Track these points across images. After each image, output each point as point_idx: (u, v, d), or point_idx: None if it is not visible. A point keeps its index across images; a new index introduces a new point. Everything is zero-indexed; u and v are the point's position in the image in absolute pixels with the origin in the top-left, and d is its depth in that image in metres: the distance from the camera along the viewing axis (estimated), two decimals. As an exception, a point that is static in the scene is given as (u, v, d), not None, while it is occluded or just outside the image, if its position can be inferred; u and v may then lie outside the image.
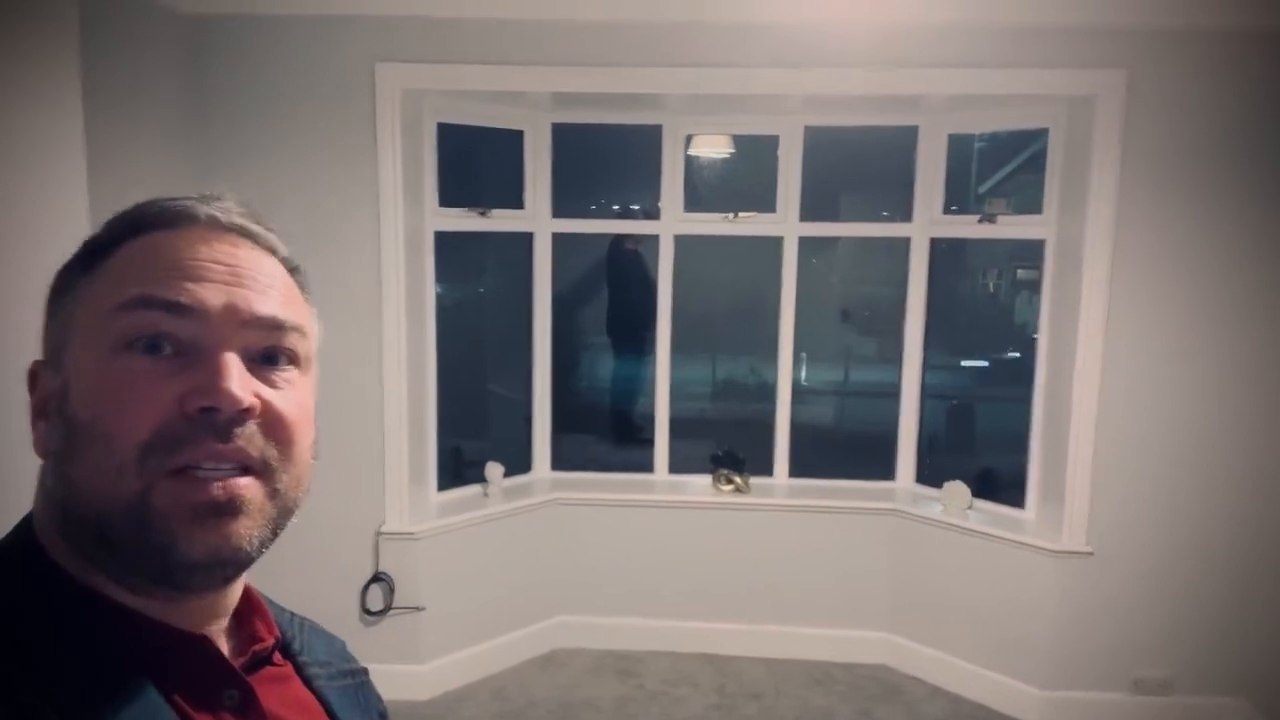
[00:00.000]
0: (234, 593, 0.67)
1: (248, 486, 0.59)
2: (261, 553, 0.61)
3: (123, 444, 0.56)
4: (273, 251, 0.66)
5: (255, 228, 0.66)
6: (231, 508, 0.58)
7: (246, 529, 0.59)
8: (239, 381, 0.58)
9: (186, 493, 0.57)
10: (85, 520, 0.58)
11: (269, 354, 0.62)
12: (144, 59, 2.76)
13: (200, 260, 0.61)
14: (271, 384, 0.62)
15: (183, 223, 0.63)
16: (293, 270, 0.68)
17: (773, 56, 3.09)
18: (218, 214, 0.64)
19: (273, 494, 0.61)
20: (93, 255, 0.62)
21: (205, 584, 0.61)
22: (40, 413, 0.62)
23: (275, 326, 0.62)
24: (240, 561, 0.60)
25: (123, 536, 0.57)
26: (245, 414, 0.59)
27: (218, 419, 0.58)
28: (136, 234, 0.62)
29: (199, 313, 0.59)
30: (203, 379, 0.58)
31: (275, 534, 0.62)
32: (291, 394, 0.63)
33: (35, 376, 0.63)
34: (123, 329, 0.58)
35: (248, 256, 0.64)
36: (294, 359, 0.64)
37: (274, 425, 0.61)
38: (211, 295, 0.60)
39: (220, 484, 0.58)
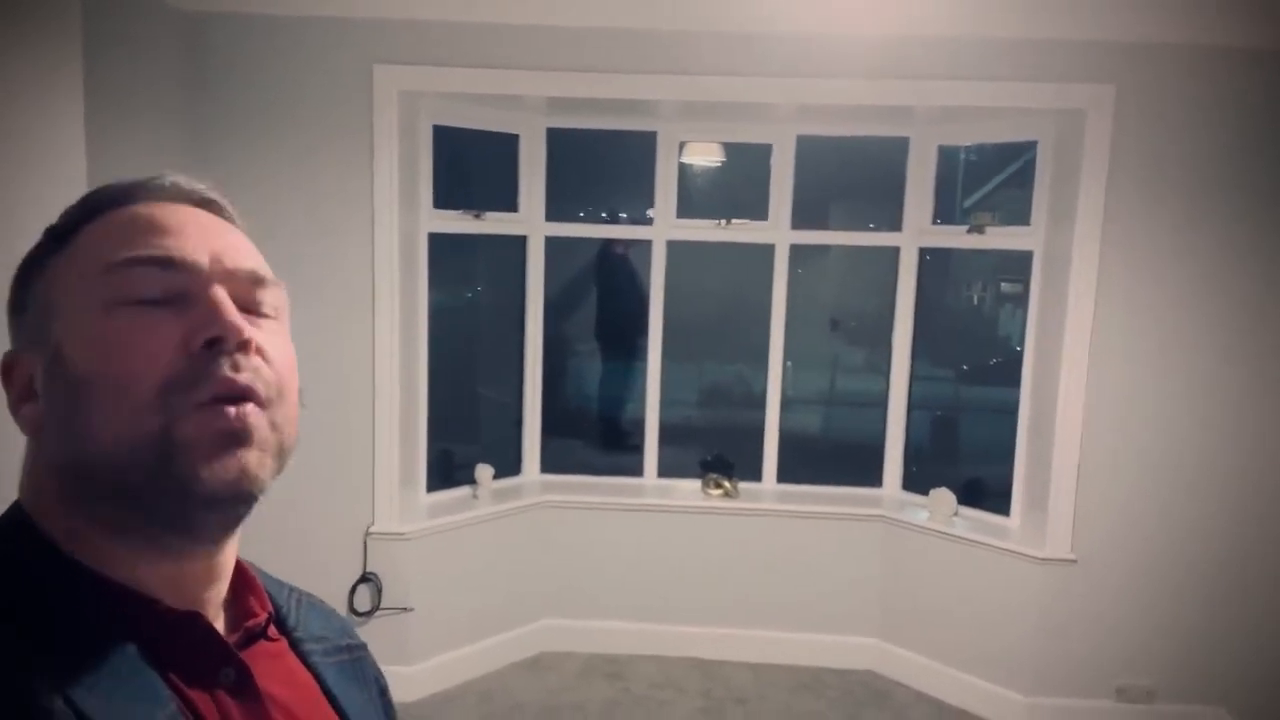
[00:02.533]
0: (227, 558, 0.67)
1: (254, 413, 0.60)
2: (269, 484, 0.63)
3: (139, 388, 0.57)
4: (231, 221, 0.68)
5: (217, 197, 0.68)
6: (245, 436, 0.60)
7: (259, 459, 0.61)
8: (238, 314, 0.61)
9: (206, 421, 0.58)
10: (101, 472, 0.58)
11: (250, 307, 0.64)
12: (145, 56, 2.76)
13: (176, 220, 0.63)
14: (259, 329, 0.63)
15: (147, 195, 0.65)
16: None
17: (767, 66, 3.12)
18: (180, 183, 0.66)
19: (274, 426, 0.62)
20: (60, 239, 0.64)
21: (220, 523, 0.62)
22: (24, 397, 0.62)
23: (256, 280, 0.64)
24: (253, 493, 0.61)
25: (144, 476, 0.57)
26: (247, 344, 0.60)
27: (224, 348, 0.59)
28: (102, 212, 0.64)
29: (188, 265, 0.61)
30: (203, 316, 0.60)
31: (279, 468, 0.64)
32: (277, 340, 0.65)
33: (9, 368, 0.64)
34: (116, 287, 0.60)
35: (214, 220, 0.66)
36: (273, 313, 0.66)
37: (269, 362, 0.63)
38: (193, 249, 0.62)
39: (234, 410, 0.59)
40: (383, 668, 0.82)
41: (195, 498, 0.58)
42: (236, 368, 0.60)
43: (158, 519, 0.59)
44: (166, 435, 0.57)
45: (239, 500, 0.61)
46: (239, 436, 0.59)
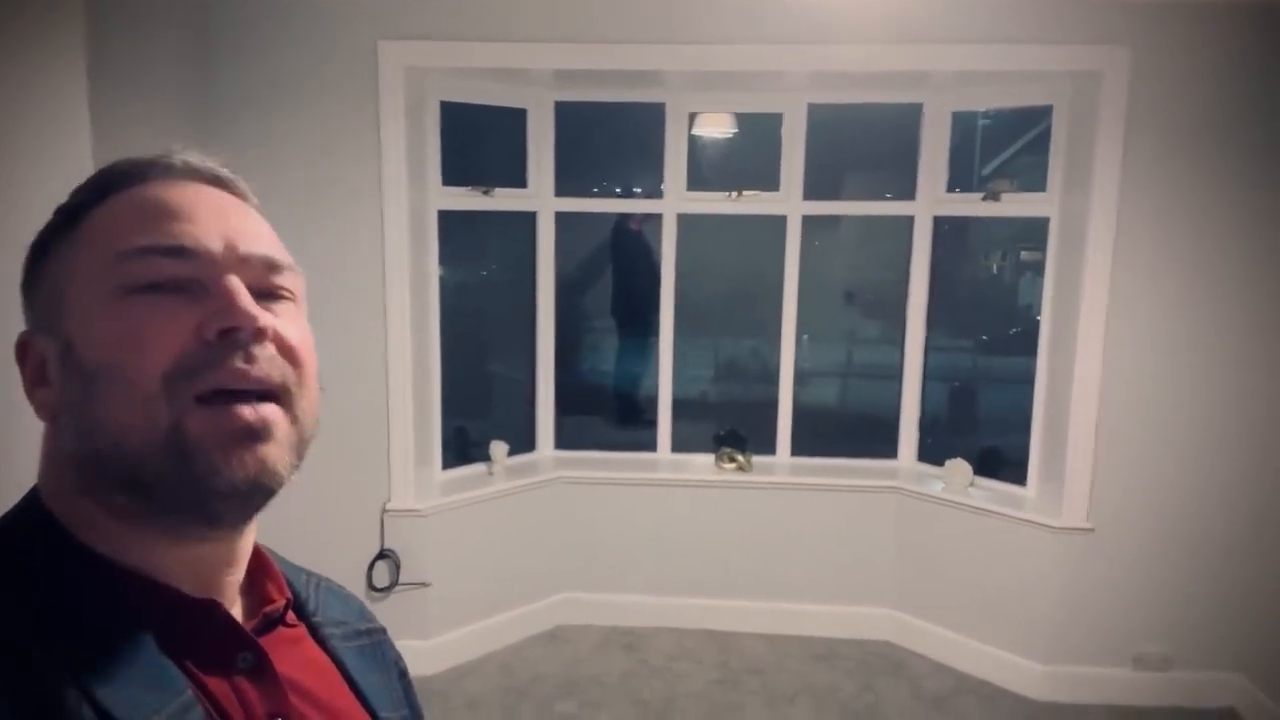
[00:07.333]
0: (246, 542, 0.67)
1: (273, 412, 0.60)
2: (289, 478, 0.62)
3: (145, 377, 0.57)
4: (245, 200, 0.67)
5: (229, 175, 0.67)
6: (265, 433, 0.59)
7: (278, 453, 0.60)
8: (253, 302, 0.60)
9: (221, 420, 0.57)
10: (115, 465, 0.58)
11: (266, 291, 0.63)
12: (148, 36, 2.76)
13: (188, 203, 0.62)
14: (274, 314, 0.63)
15: (158, 173, 0.64)
16: None
17: (776, 32, 3.08)
18: (192, 161, 0.65)
19: (294, 419, 0.62)
20: (71, 219, 0.62)
21: (239, 514, 0.62)
22: (38, 380, 0.61)
23: (271, 266, 0.63)
24: (274, 487, 0.61)
25: (159, 471, 0.57)
26: (262, 333, 0.59)
27: (239, 338, 0.58)
28: (113, 191, 0.62)
29: (200, 252, 0.60)
30: (217, 305, 0.59)
31: (298, 462, 0.63)
32: (295, 324, 0.64)
33: (25, 348, 0.63)
34: (127, 275, 0.58)
35: (228, 200, 0.65)
36: (290, 296, 0.65)
37: (286, 349, 0.62)
38: (206, 235, 0.60)
39: (250, 408, 0.59)
40: (402, 642, 0.83)
41: (213, 491, 0.58)
42: (250, 359, 0.59)
43: (174, 508, 0.59)
44: (179, 432, 0.57)
45: (258, 493, 0.60)
46: (257, 433, 0.59)
